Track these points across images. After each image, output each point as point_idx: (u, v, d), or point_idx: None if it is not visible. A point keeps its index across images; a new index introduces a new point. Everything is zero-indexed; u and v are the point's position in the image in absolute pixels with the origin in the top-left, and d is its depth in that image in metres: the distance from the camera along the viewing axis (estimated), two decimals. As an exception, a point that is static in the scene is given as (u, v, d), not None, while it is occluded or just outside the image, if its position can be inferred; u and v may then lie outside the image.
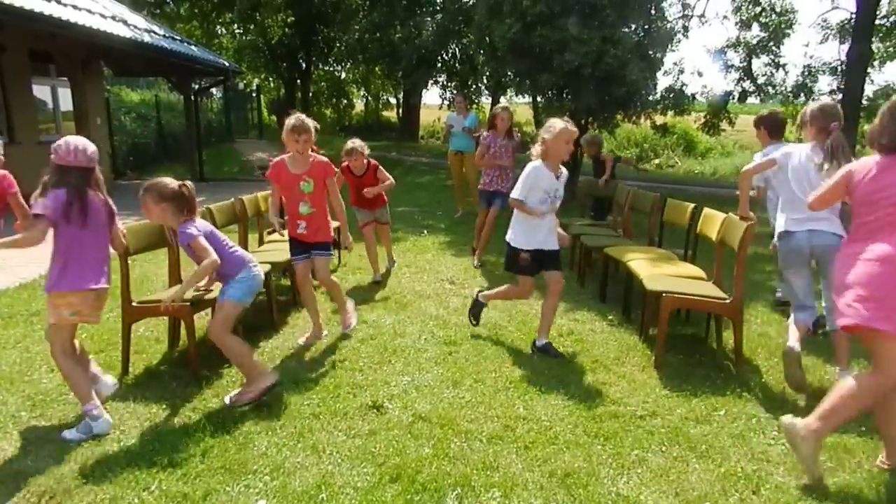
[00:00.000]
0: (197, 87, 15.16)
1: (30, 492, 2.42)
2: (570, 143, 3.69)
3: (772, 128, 4.73)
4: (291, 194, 3.87)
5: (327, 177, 3.90)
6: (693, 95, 12.85)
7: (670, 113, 11.77)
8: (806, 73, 16.05)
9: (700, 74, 24.25)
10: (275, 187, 4.00)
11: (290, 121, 3.76)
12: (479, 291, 4.39)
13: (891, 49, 16.38)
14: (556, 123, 3.67)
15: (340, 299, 4.23)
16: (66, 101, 11.42)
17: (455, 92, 18.67)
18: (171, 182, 3.14)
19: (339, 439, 2.82)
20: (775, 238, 3.75)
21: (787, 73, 16.47)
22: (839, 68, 15.38)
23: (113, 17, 10.04)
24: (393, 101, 32.26)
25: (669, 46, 10.80)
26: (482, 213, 6.19)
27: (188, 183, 3.17)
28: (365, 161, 5.27)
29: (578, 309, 4.74)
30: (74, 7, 8.72)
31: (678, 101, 11.47)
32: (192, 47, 13.53)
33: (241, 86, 26.68)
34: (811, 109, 3.66)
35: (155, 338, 4.05)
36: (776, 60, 16.24)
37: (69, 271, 2.83)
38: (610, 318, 4.51)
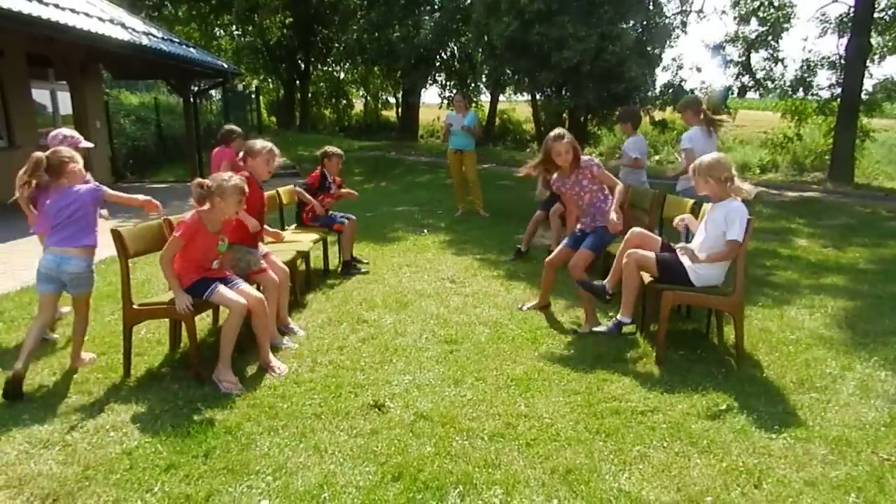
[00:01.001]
0: (196, 89, 15.15)
1: (33, 495, 2.43)
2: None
3: (636, 121, 6.29)
4: (205, 254, 3.51)
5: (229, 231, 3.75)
6: (692, 91, 12.89)
7: (669, 108, 11.80)
8: (805, 68, 16.06)
9: (699, 70, 24.28)
10: (179, 246, 3.40)
11: (232, 181, 3.46)
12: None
13: (890, 43, 16.34)
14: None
15: (266, 336, 3.65)
16: (65, 104, 11.44)
17: (454, 91, 18.67)
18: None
19: (341, 439, 2.83)
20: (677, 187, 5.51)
21: (785, 67, 16.52)
22: (838, 63, 15.36)
23: (111, 20, 10.05)
24: (392, 100, 32.27)
25: (668, 42, 10.85)
26: (563, 253, 4.53)
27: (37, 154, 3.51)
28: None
29: (579, 306, 4.73)
30: (72, 10, 8.71)
31: (677, 96, 11.49)
32: (191, 49, 13.53)
33: (240, 87, 26.66)
34: (687, 100, 5.79)
35: (156, 340, 4.06)
36: (775, 55, 16.28)
37: None
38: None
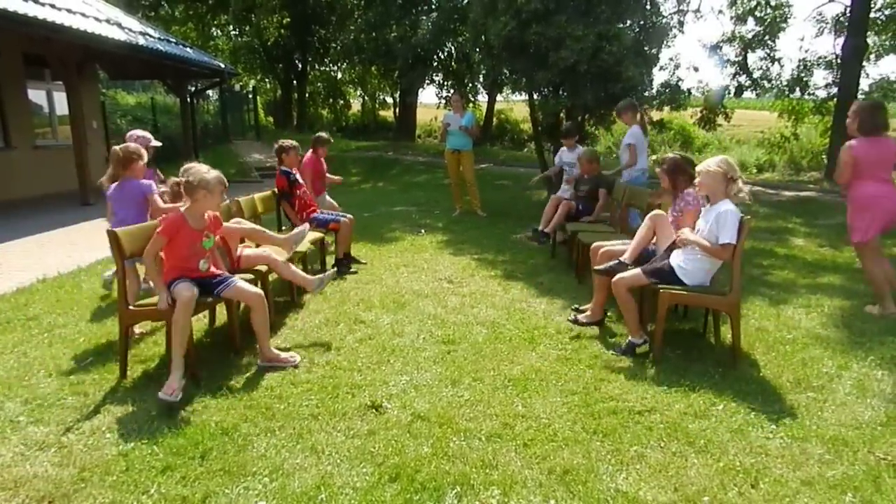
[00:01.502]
0: (193, 89, 15.14)
1: (29, 497, 2.42)
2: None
3: (580, 138, 7.59)
4: (190, 252, 3.48)
5: (219, 231, 3.74)
6: (689, 90, 12.88)
7: (667, 108, 11.79)
8: (801, 68, 16.09)
9: (696, 69, 24.29)
10: (161, 242, 3.41)
11: (213, 173, 3.48)
12: None
13: (886, 43, 16.38)
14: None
15: (266, 332, 3.65)
16: (61, 105, 11.41)
17: (451, 90, 18.67)
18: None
19: (338, 440, 2.82)
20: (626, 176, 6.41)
21: (782, 67, 16.56)
22: (834, 62, 15.39)
23: (107, 21, 10.03)
24: (389, 100, 32.28)
25: (665, 42, 10.81)
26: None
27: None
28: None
29: (577, 303, 4.74)
30: (68, 11, 8.69)
31: (674, 96, 11.48)
32: (188, 49, 13.52)
33: (237, 87, 26.64)
34: (625, 104, 6.57)
35: (153, 340, 4.04)
36: (771, 54, 16.29)
37: None
38: (608, 314, 4.51)
